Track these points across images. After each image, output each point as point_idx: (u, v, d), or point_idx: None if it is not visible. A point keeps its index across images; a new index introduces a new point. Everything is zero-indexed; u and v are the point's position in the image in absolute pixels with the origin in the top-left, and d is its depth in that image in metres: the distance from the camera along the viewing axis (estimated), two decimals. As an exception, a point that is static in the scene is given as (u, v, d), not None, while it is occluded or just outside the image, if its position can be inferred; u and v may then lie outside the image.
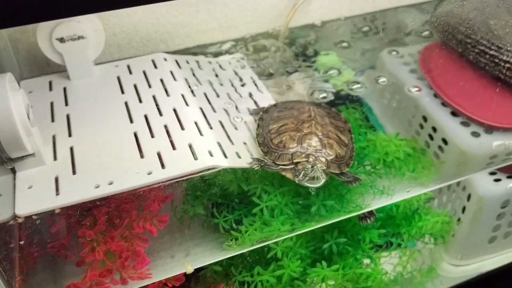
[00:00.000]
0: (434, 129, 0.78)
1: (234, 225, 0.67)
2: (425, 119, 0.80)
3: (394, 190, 0.70)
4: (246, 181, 0.68)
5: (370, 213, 0.68)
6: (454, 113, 0.78)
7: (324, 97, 0.85)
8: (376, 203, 0.67)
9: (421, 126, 0.81)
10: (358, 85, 0.88)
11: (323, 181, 0.61)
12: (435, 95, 0.82)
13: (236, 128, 0.72)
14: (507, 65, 0.79)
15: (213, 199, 0.70)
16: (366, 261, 0.71)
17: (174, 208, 0.70)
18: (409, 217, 0.75)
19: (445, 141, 0.76)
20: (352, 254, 0.69)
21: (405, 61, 0.90)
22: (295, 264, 0.66)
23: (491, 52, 0.81)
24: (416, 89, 0.84)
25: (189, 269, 0.64)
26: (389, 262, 0.76)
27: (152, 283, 0.65)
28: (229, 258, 0.70)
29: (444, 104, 0.80)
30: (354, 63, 0.94)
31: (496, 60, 0.81)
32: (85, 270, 0.62)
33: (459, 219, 0.85)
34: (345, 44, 0.97)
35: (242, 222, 0.66)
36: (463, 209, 0.84)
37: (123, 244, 0.62)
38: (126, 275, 0.62)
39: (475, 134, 0.75)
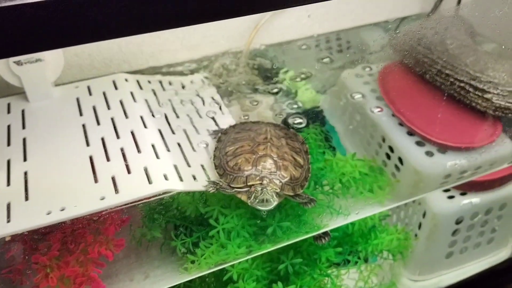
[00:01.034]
0: (391, 149, 0.80)
1: (191, 247, 0.67)
2: (383, 139, 0.82)
3: (350, 210, 0.71)
4: (204, 203, 0.68)
5: (325, 233, 0.69)
6: (410, 133, 0.80)
7: (285, 117, 0.86)
8: (331, 224, 0.68)
9: (380, 146, 0.83)
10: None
11: (274, 203, 0.62)
12: (393, 115, 0.84)
13: (194, 150, 0.73)
14: (461, 84, 0.81)
15: (171, 222, 0.70)
16: (327, 279, 0.72)
17: (133, 231, 0.70)
18: (366, 234, 0.76)
19: (401, 161, 0.78)
20: (309, 273, 0.70)
21: (365, 81, 0.92)
22: (251, 286, 0.67)
23: (447, 71, 0.84)
24: (378, 109, 0.86)
25: None
26: (350, 278, 0.77)
27: (107, 309, 0.64)
28: (187, 281, 0.70)
29: (401, 124, 0.82)
30: (317, 82, 0.96)
31: (451, 80, 0.83)
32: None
33: (416, 235, 0.86)
34: (307, 63, 0.99)
35: (199, 245, 0.66)
36: (420, 225, 0.86)
37: (77, 269, 0.62)
38: (80, 301, 0.61)
39: (429, 154, 0.76)
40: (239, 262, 0.67)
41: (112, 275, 0.70)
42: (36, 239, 0.63)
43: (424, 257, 0.87)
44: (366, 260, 0.78)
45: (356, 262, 0.76)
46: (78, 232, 0.64)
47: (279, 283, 0.68)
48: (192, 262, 0.65)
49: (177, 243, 0.67)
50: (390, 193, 0.73)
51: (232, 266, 0.67)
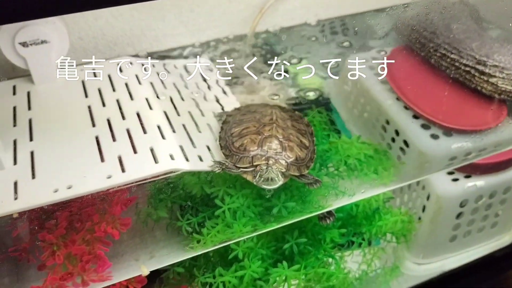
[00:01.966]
0: (397, 132, 0.80)
1: (197, 227, 0.67)
2: (388, 122, 0.82)
3: (355, 191, 0.71)
4: (210, 184, 0.68)
5: (329, 213, 0.70)
6: (416, 116, 0.80)
7: (290, 101, 0.86)
8: (335, 203, 0.68)
9: (384, 129, 0.83)
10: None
11: (279, 182, 0.62)
12: (398, 99, 0.84)
13: (199, 132, 0.73)
14: (466, 68, 0.81)
15: (177, 202, 0.70)
16: (331, 260, 0.72)
17: (138, 211, 0.70)
18: (370, 216, 0.76)
19: (406, 143, 0.78)
20: (314, 254, 0.70)
21: (370, 65, 0.92)
22: (256, 264, 0.67)
23: (452, 55, 0.83)
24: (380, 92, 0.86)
25: (145, 272, 0.64)
26: (353, 261, 0.78)
27: (113, 285, 0.65)
28: (192, 259, 0.70)
29: (406, 107, 0.82)
30: (321, 67, 0.95)
31: (457, 64, 0.83)
32: (47, 274, 0.62)
33: (420, 218, 0.86)
34: (312, 48, 0.99)
35: (205, 224, 0.66)
36: (423, 208, 0.86)
37: (84, 247, 0.62)
38: (87, 278, 0.62)
39: (434, 137, 0.76)
40: (244, 241, 0.67)
41: (118, 255, 0.70)
42: (43, 218, 0.63)
43: (428, 240, 0.88)
44: (369, 243, 0.79)
45: (360, 244, 0.76)
46: (84, 211, 0.64)
47: (284, 263, 0.68)
48: (198, 241, 0.65)
49: (182, 223, 0.67)
50: (395, 175, 0.73)
51: (238, 244, 0.67)
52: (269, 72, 0.93)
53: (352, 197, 0.69)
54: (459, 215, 0.87)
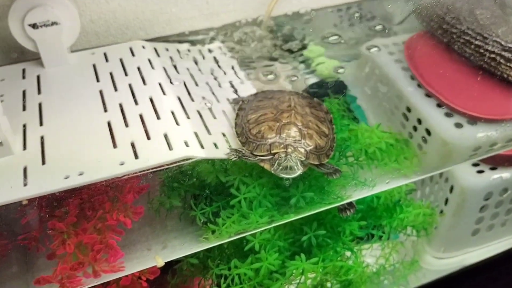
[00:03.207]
0: (418, 120, 0.77)
1: (211, 217, 0.65)
2: (409, 109, 0.79)
3: (375, 182, 0.69)
4: (225, 172, 0.66)
5: (350, 205, 0.67)
6: (439, 104, 0.77)
7: (307, 87, 0.83)
8: (355, 195, 0.65)
9: (405, 117, 0.80)
10: (343, 69, 0.86)
11: (299, 171, 0.59)
12: (419, 86, 0.81)
13: (214, 118, 0.70)
14: (492, 55, 0.78)
15: (191, 191, 0.68)
16: (348, 253, 0.70)
17: (151, 200, 0.68)
18: (391, 208, 0.73)
19: (428, 132, 0.75)
20: (332, 247, 0.68)
21: (390, 51, 0.89)
22: (273, 256, 0.65)
23: (476, 42, 0.80)
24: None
25: (160, 263, 0.62)
26: (371, 255, 0.75)
27: (126, 276, 0.63)
28: (206, 250, 0.68)
29: (428, 95, 0.79)
30: (339, 53, 0.92)
31: (481, 51, 0.79)
32: (57, 263, 0.61)
33: (441, 211, 0.84)
34: (329, 33, 0.96)
35: (220, 214, 0.64)
36: (446, 201, 0.83)
37: (95, 236, 0.60)
38: (98, 268, 0.60)
39: (458, 125, 0.73)
40: (261, 233, 0.65)
41: (130, 244, 0.68)
42: (53, 205, 0.61)
43: (449, 234, 0.85)
44: (387, 237, 0.76)
45: (381, 237, 0.73)
46: (96, 199, 0.62)
47: (302, 255, 0.66)
48: (213, 232, 0.63)
49: (197, 212, 0.65)
50: (417, 165, 0.71)
51: (254, 236, 0.65)
52: (285, 58, 0.90)
53: (374, 188, 0.66)
54: (482, 208, 0.83)
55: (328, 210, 0.65)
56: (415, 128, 0.78)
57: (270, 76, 0.85)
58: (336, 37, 0.95)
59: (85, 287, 0.60)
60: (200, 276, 0.69)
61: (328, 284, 0.70)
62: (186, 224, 0.70)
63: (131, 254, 0.68)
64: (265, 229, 0.64)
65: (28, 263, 0.65)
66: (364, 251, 0.73)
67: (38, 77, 0.74)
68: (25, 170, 0.58)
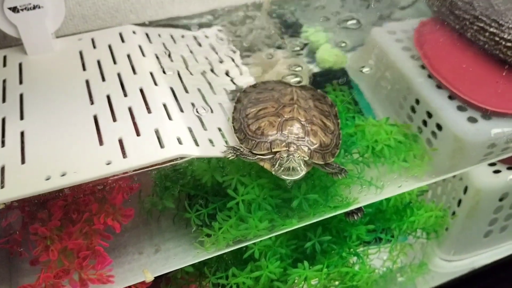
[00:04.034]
0: (428, 114, 0.72)
1: (207, 220, 0.60)
2: (418, 102, 0.74)
3: (383, 182, 0.64)
4: (221, 171, 0.61)
5: (358, 208, 0.62)
6: (450, 97, 0.72)
7: (309, 76, 0.78)
8: (365, 200, 0.60)
9: (414, 110, 0.75)
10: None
11: (302, 173, 0.54)
12: (429, 76, 0.75)
13: (211, 111, 0.65)
14: (508, 43, 0.73)
15: (185, 191, 0.63)
16: (354, 258, 0.66)
17: (142, 200, 0.63)
18: (400, 211, 0.69)
19: (439, 127, 0.70)
20: (337, 252, 0.63)
21: (397, 38, 0.83)
22: (274, 264, 0.60)
23: (491, 29, 0.74)
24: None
25: (149, 277, 0.57)
26: (378, 257, 0.71)
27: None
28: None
29: (439, 86, 0.73)
30: (343, 39, 0.87)
31: (496, 39, 0.74)
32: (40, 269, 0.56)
33: (454, 213, 0.79)
34: (333, 18, 0.90)
35: (216, 217, 0.59)
36: (459, 202, 0.78)
37: (81, 242, 0.55)
38: (85, 276, 0.55)
39: (472, 120, 0.68)
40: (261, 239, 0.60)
41: (120, 246, 0.64)
42: (35, 207, 0.56)
43: (461, 236, 0.80)
44: (396, 240, 0.71)
45: (389, 241, 0.69)
46: (81, 200, 0.57)
47: (305, 262, 0.61)
48: (208, 235, 0.59)
49: (191, 215, 0.60)
50: (428, 164, 0.66)
51: (254, 243, 0.60)
52: (285, 45, 0.85)
53: (383, 191, 0.61)
54: (497, 209, 0.79)
55: (335, 215, 0.61)
56: (424, 122, 0.73)
57: (268, 64, 0.79)
58: (340, 21, 0.89)
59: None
60: (196, 284, 0.65)
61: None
62: (180, 226, 0.65)
63: (122, 258, 0.63)
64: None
65: (11, 267, 0.61)
66: (371, 254, 0.68)
67: (20, 65, 0.69)
68: (2, 170, 0.53)
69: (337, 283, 0.63)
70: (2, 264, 0.61)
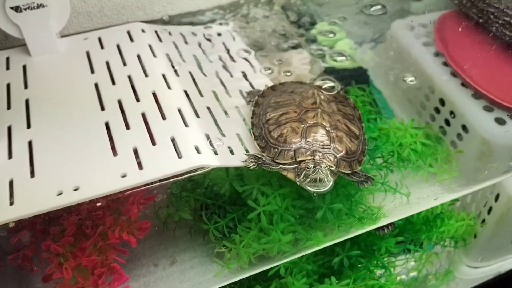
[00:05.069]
0: (452, 114, 0.69)
1: (226, 232, 0.57)
2: (442, 102, 0.70)
3: (408, 187, 0.61)
4: (240, 180, 0.58)
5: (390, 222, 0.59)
6: (476, 96, 0.69)
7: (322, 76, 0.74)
8: (398, 214, 0.57)
9: (437, 110, 0.71)
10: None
11: (329, 184, 0.51)
12: (453, 74, 0.72)
13: (227, 116, 0.62)
14: (536, 39, 0.69)
15: (201, 200, 0.60)
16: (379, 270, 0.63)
17: (157, 210, 0.60)
18: (430, 221, 0.66)
19: (465, 128, 0.67)
20: (365, 266, 0.60)
21: (417, 33, 0.79)
22: (300, 282, 0.57)
23: (518, 24, 0.71)
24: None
25: None
26: (403, 267, 0.68)
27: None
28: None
29: (464, 84, 0.70)
30: (360, 36, 0.83)
31: (524, 34, 0.71)
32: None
33: (483, 220, 0.76)
34: (347, 13, 0.86)
35: (235, 229, 0.56)
36: (489, 210, 0.75)
37: (96, 258, 0.52)
38: (100, 294, 0.52)
39: (499, 121, 0.65)
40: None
41: (134, 258, 0.62)
42: (47, 221, 0.53)
43: (489, 243, 0.78)
44: (424, 251, 0.68)
45: (417, 251, 0.66)
46: (95, 214, 0.54)
47: (332, 278, 0.59)
48: (224, 246, 0.56)
49: (209, 226, 0.57)
50: (455, 169, 0.63)
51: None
52: (299, 42, 0.81)
53: (413, 203, 0.58)
54: (526, 215, 0.77)
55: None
56: (447, 123, 0.70)
57: (285, 63, 0.76)
58: (355, 17, 0.85)
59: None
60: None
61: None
62: (196, 237, 0.63)
63: (137, 271, 0.61)
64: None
65: (21, 284, 0.58)
66: (398, 266, 0.66)
67: (24, 68, 0.65)
68: (11, 184, 0.49)
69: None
70: (13, 281, 0.58)
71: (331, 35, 0.82)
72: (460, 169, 0.64)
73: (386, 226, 0.60)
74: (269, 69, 0.72)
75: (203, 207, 0.60)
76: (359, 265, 0.61)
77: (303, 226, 0.56)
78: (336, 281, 0.59)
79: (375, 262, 0.61)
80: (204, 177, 0.57)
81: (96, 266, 0.52)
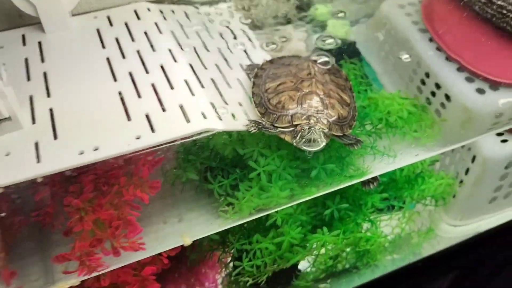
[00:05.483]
0: (437, 85, 0.75)
1: (229, 190, 0.63)
2: (427, 75, 0.76)
3: (395, 151, 0.67)
4: (242, 144, 0.64)
5: (374, 178, 0.65)
6: (459, 69, 0.74)
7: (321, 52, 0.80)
8: (382, 168, 0.63)
9: (423, 82, 0.77)
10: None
11: (322, 144, 0.57)
12: (438, 49, 0.78)
13: (229, 87, 0.67)
14: (515, 16, 0.75)
15: (206, 163, 0.66)
16: (366, 225, 0.69)
17: (165, 173, 0.66)
18: (412, 180, 0.72)
19: (448, 98, 0.73)
20: (353, 219, 0.67)
21: (407, 12, 0.85)
22: (295, 231, 0.63)
23: (499, 2, 0.76)
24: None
25: (187, 242, 0.61)
26: (387, 225, 0.74)
27: (146, 255, 0.62)
28: (226, 225, 0.66)
29: (448, 58, 0.76)
30: (351, 13, 0.88)
31: (504, 11, 0.76)
32: (73, 240, 0.59)
33: (461, 181, 0.83)
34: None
35: (238, 187, 0.62)
36: (467, 171, 0.82)
37: (113, 212, 0.58)
38: (117, 244, 0.58)
39: (480, 91, 0.71)
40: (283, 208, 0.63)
41: (145, 217, 0.67)
42: (67, 181, 0.59)
43: (467, 202, 0.84)
44: (407, 208, 0.75)
45: (401, 208, 0.72)
46: (111, 174, 0.60)
47: (324, 228, 0.65)
48: (228, 204, 0.61)
49: (214, 186, 0.63)
50: (438, 134, 0.69)
51: (276, 211, 0.63)
52: (296, 20, 0.86)
53: (395, 159, 0.64)
54: (502, 177, 0.82)
55: (351, 184, 0.64)
56: (433, 94, 0.76)
57: (283, 40, 0.81)
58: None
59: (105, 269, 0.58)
60: (221, 251, 0.68)
61: (344, 254, 0.69)
62: (201, 197, 0.68)
63: (148, 228, 0.66)
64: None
65: (42, 240, 0.64)
66: (382, 222, 0.72)
67: (39, 44, 0.70)
68: (36, 145, 0.55)
69: (349, 248, 0.67)
70: (33, 237, 0.64)
71: (324, 11, 0.87)
72: (444, 134, 0.70)
73: (372, 182, 0.66)
74: (273, 43, 0.77)
75: (207, 170, 0.65)
76: (347, 219, 0.67)
77: (299, 184, 0.62)
78: (327, 232, 0.65)
79: (362, 216, 0.67)
80: (208, 141, 0.63)
81: (113, 220, 0.58)
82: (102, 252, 0.59)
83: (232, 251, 0.67)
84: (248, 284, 0.68)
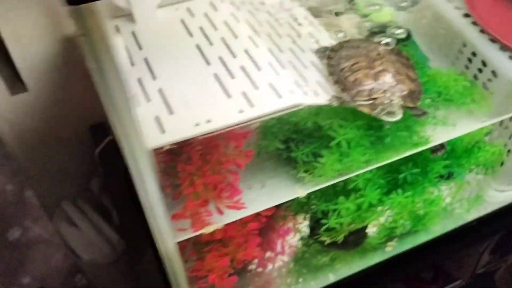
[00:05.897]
0: (483, 63, 0.83)
1: (311, 158, 0.72)
2: (474, 54, 0.85)
3: (454, 122, 0.76)
4: (319, 117, 0.73)
5: (441, 145, 0.75)
6: (502, 48, 0.83)
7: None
8: (444, 137, 0.73)
9: (470, 61, 0.86)
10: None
11: (399, 115, 0.66)
12: (482, 31, 0.86)
13: (305, 68, 0.76)
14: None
15: (287, 135, 0.75)
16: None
17: (252, 144, 0.75)
18: (469, 149, 0.81)
19: (494, 74, 0.82)
20: (421, 184, 0.76)
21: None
22: (375, 193, 0.73)
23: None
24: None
25: (302, 194, 0.70)
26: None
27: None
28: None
29: (492, 40, 0.85)
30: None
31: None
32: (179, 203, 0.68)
33: (509, 150, 0.91)
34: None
35: (319, 155, 0.71)
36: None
37: (218, 177, 0.68)
38: (221, 204, 0.68)
39: (522, 66, 0.80)
40: (364, 173, 0.72)
41: (234, 183, 0.76)
42: (176, 152, 0.68)
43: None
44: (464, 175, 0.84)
45: (460, 174, 0.82)
46: (212, 144, 0.69)
47: (399, 190, 0.75)
48: (307, 171, 0.70)
49: (297, 153, 0.72)
50: (490, 106, 0.78)
51: (357, 176, 0.73)
52: (347, 5, 0.95)
53: (454, 127, 0.73)
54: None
55: (420, 152, 0.73)
56: (480, 70, 0.85)
57: (333, 26, 0.90)
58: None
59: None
60: (304, 213, 0.78)
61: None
62: (280, 165, 0.77)
63: (237, 192, 0.75)
64: (367, 170, 0.72)
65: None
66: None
67: (133, 33, 0.79)
68: (157, 119, 0.64)
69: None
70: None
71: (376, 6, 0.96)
72: (495, 107, 0.80)
73: (439, 149, 0.75)
74: (340, 31, 0.86)
75: (288, 141, 0.75)
76: (416, 183, 0.77)
77: (375, 150, 0.71)
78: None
79: (427, 181, 0.77)
80: (289, 115, 0.72)
81: (218, 183, 0.68)
82: (206, 212, 0.69)
83: (316, 213, 0.77)
84: (325, 243, 0.78)
